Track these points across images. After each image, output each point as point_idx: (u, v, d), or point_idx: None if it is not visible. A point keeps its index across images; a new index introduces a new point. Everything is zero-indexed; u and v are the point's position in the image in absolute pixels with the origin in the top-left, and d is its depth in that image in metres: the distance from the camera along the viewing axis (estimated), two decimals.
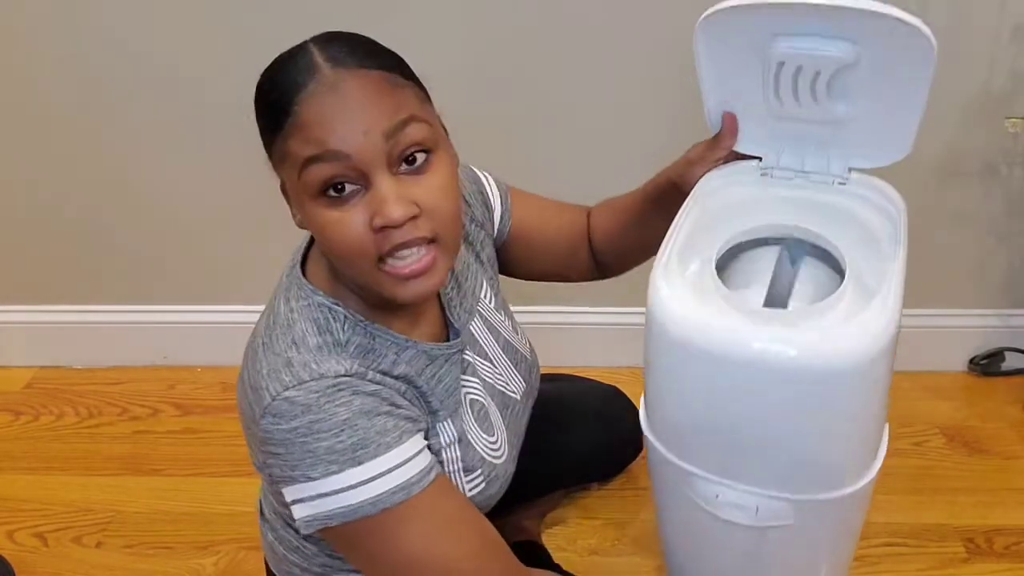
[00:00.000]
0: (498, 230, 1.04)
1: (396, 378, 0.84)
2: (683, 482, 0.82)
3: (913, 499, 1.42)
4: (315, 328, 0.81)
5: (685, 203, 0.86)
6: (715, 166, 0.90)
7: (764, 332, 0.70)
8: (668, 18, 1.41)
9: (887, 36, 0.72)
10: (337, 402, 0.76)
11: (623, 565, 1.34)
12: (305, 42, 0.77)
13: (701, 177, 0.89)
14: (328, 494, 0.77)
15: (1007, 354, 1.69)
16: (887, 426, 0.84)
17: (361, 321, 0.83)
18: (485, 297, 1.00)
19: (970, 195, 1.56)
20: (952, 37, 1.41)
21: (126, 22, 1.49)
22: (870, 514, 1.37)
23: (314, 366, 0.78)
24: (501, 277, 1.08)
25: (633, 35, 1.44)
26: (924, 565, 1.31)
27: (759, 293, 0.79)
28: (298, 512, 0.79)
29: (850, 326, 0.70)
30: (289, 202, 0.82)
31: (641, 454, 1.42)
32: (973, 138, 1.50)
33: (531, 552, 1.30)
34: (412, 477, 0.78)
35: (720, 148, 0.90)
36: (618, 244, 1.07)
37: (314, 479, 0.76)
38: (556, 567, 1.23)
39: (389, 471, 0.77)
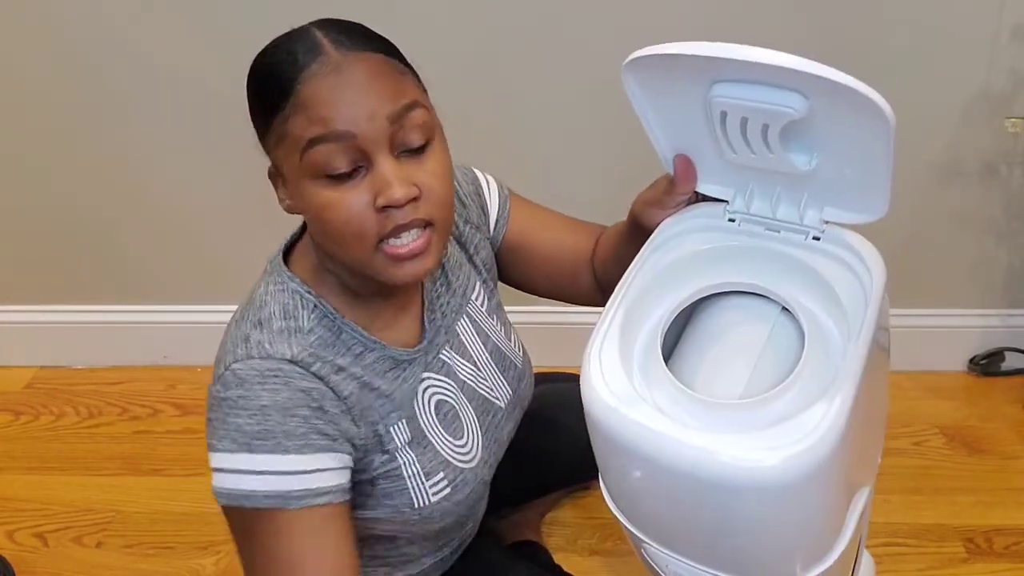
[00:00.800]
0: (493, 234, 1.02)
1: (350, 376, 0.83)
2: (638, 545, 0.79)
3: (913, 499, 1.43)
4: (281, 312, 0.82)
5: (639, 255, 0.79)
6: (676, 210, 0.83)
7: (696, 441, 0.64)
8: (668, 19, 1.41)
9: (839, 100, 0.63)
10: (266, 386, 0.77)
11: (623, 565, 1.34)
12: (304, 25, 0.78)
13: (659, 221, 0.82)
14: (220, 469, 0.77)
15: (1007, 354, 1.69)
16: (866, 496, 0.78)
17: (331, 313, 0.83)
18: (477, 299, 0.99)
19: (970, 195, 1.56)
20: (952, 37, 1.41)
21: (126, 23, 1.49)
22: (870, 514, 1.37)
23: (267, 346, 0.79)
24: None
25: (633, 35, 1.45)
26: (924, 565, 1.31)
27: (717, 362, 0.73)
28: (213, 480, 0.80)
29: (788, 435, 0.62)
30: (278, 186, 0.82)
31: None
32: (973, 138, 1.50)
33: (531, 552, 1.30)
34: (294, 491, 0.76)
35: (676, 194, 0.82)
36: (612, 272, 0.98)
37: (218, 451, 0.78)
38: (556, 567, 1.23)
39: (273, 473, 0.76)
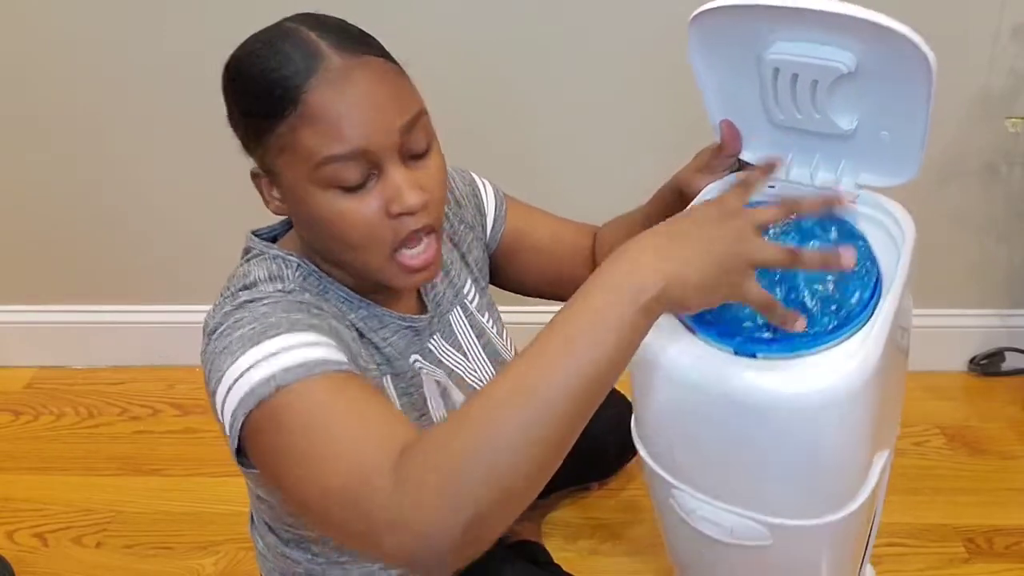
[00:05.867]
0: (490, 236, 1.03)
1: (348, 323, 0.82)
2: (667, 492, 0.82)
3: (913, 499, 1.43)
4: (267, 275, 0.80)
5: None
6: (721, 176, 0.87)
7: (736, 368, 0.69)
8: (673, 17, 1.41)
9: (884, 48, 0.68)
10: (264, 302, 0.75)
11: (623, 565, 1.34)
12: (287, 23, 0.76)
13: (703, 187, 0.86)
14: (232, 385, 0.70)
15: (1007, 354, 1.69)
16: (886, 457, 0.81)
17: (316, 272, 0.83)
18: (468, 294, 1.00)
19: (970, 195, 1.56)
20: (952, 37, 1.41)
21: (127, 22, 1.49)
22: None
23: (256, 293, 0.77)
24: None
25: (635, 34, 1.45)
26: (924, 565, 1.31)
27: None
28: (228, 435, 0.72)
29: (825, 365, 0.67)
30: (264, 186, 0.81)
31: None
32: (973, 138, 1.50)
33: (530, 551, 1.30)
34: (313, 360, 0.69)
35: (723, 157, 0.86)
36: None
37: (224, 374, 0.71)
38: (556, 567, 1.23)
39: (287, 349, 0.70)
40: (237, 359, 0.71)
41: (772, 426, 0.69)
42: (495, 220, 1.03)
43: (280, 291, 0.77)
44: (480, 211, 1.02)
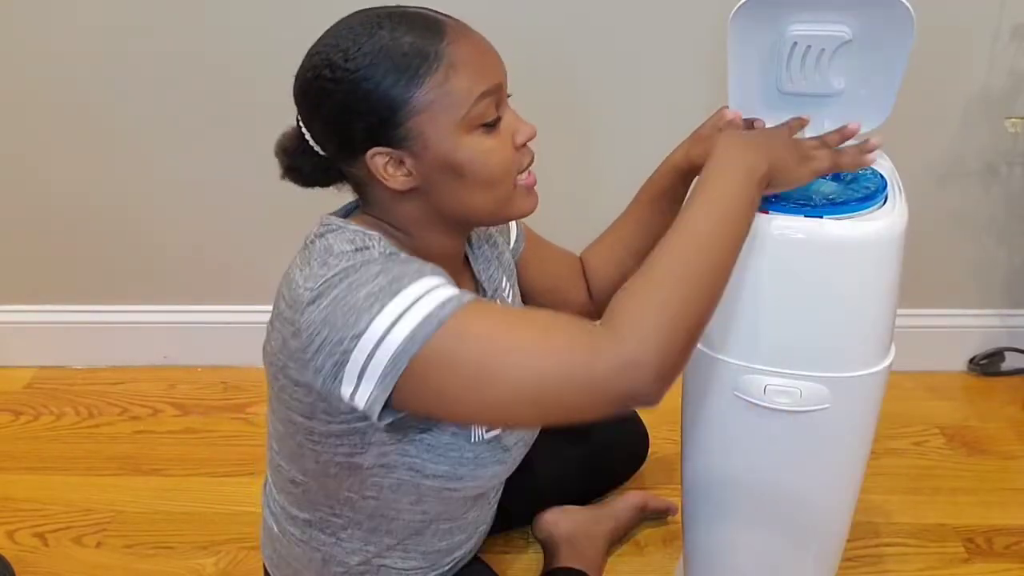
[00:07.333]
0: (512, 247, 1.09)
1: None
2: (732, 384, 0.92)
3: (913, 499, 1.43)
4: (351, 247, 0.80)
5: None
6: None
7: (814, 226, 0.86)
8: (681, 18, 1.41)
9: (877, 13, 0.89)
10: (371, 261, 0.77)
11: (623, 565, 1.34)
12: (365, 14, 0.81)
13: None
14: (381, 340, 0.73)
15: (1007, 354, 1.69)
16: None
17: (395, 251, 0.83)
18: (504, 290, 1.04)
19: (970, 195, 1.56)
20: (952, 37, 1.41)
21: (127, 23, 1.50)
22: (870, 514, 1.37)
23: (357, 258, 0.78)
24: None
25: (640, 32, 1.45)
26: (924, 565, 1.31)
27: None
28: (362, 395, 0.75)
29: (874, 218, 0.87)
30: (392, 163, 0.81)
31: (642, 466, 1.44)
32: (973, 138, 1.50)
33: None
34: (454, 294, 0.75)
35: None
36: (622, 268, 1.12)
37: (361, 334, 0.73)
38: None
39: (430, 291, 0.74)
40: (376, 315, 0.73)
41: (844, 264, 0.86)
42: (516, 238, 1.09)
43: (380, 253, 0.79)
44: (507, 224, 1.09)
